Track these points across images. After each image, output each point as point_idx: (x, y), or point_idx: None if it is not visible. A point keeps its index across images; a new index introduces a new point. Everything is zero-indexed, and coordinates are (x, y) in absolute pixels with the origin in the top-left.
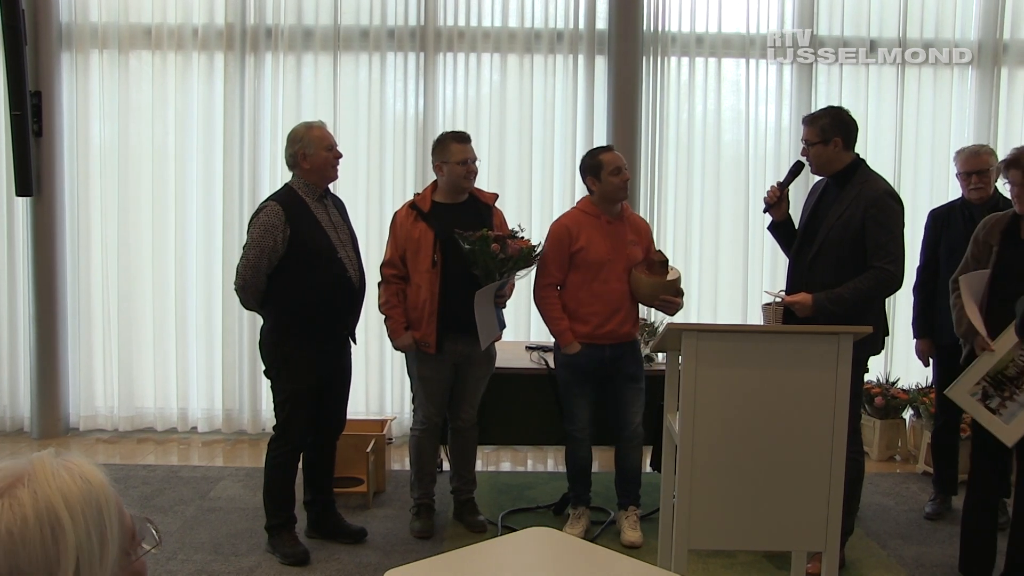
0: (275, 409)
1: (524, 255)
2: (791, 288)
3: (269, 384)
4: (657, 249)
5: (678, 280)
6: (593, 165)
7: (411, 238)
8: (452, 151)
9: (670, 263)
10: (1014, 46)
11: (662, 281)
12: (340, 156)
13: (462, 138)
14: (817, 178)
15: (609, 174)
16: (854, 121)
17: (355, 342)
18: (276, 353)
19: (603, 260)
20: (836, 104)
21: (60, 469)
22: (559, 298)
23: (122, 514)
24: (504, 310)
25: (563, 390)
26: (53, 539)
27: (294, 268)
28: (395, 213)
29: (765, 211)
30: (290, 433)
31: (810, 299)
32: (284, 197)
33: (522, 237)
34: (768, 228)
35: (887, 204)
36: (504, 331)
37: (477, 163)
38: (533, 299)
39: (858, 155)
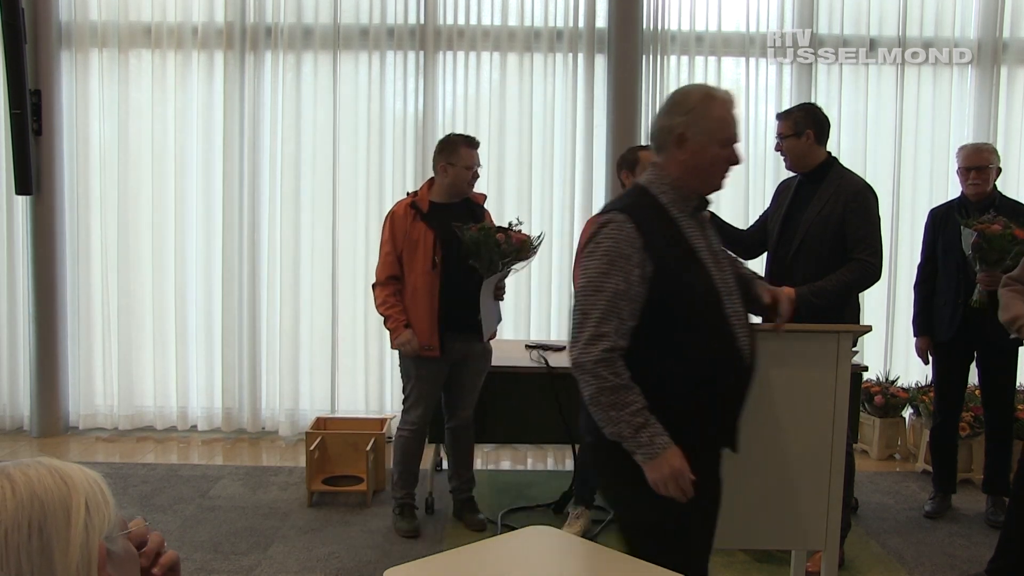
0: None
1: (525, 247)
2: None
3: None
4: None
5: None
6: (631, 160)
7: (410, 238)
8: (462, 155)
9: None
10: (1014, 45)
11: None
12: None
13: (473, 143)
14: (786, 176)
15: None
16: (827, 118)
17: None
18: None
19: None
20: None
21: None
22: None
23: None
24: (502, 303)
25: None
26: (63, 481)
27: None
28: (391, 211)
29: None
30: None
31: (792, 293)
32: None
33: (519, 230)
34: None
35: (866, 198)
36: (503, 330)
37: (479, 168)
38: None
39: (830, 153)
